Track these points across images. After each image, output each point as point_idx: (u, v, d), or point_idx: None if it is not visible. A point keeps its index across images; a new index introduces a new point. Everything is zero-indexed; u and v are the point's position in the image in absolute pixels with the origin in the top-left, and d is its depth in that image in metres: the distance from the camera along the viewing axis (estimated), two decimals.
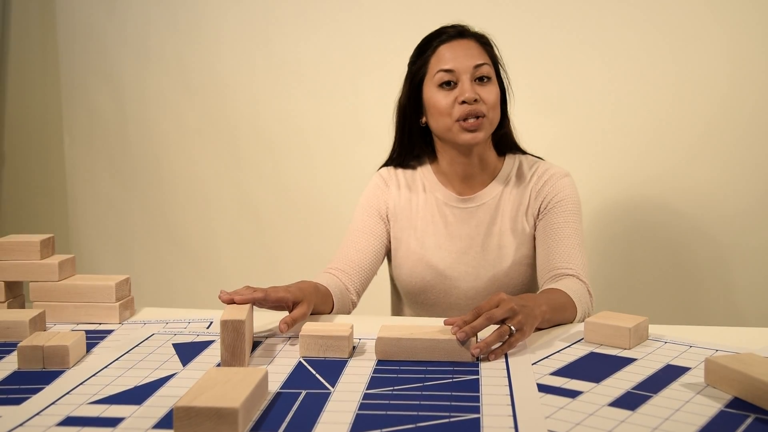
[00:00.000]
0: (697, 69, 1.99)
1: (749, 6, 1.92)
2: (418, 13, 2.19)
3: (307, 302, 1.21)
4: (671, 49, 2.00)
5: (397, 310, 1.64)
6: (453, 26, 1.45)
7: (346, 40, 2.34)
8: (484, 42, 1.45)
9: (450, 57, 1.40)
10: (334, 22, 2.35)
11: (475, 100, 1.37)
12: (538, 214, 1.46)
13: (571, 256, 1.39)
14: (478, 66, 1.39)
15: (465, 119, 1.38)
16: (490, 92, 1.40)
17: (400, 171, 1.56)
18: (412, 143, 1.52)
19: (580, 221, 1.45)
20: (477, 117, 1.38)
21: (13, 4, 2.79)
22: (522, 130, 1.56)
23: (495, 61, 1.45)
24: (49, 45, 2.78)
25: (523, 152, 1.55)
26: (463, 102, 1.37)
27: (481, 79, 1.40)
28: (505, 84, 1.47)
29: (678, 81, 2.01)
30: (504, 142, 1.52)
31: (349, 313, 1.44)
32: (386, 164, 1.58)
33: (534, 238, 1.47)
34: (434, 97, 1.41)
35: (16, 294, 1.35)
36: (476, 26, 1.47)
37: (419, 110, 1.47)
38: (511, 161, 1.52)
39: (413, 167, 1.55)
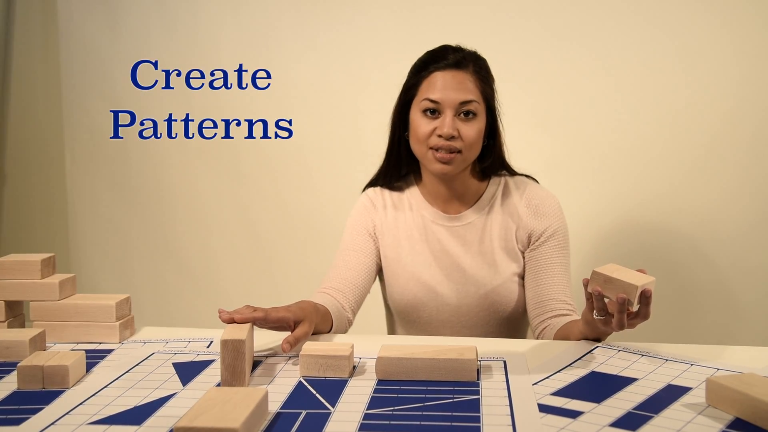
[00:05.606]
0: (698, 91, 2.00)
1: (757, 26, 1.93)
2: (419, 33, 2.20)
3: (308, 321, 1.21)
4: (673, 71, 2.01)
5: (392, 331, 1.63)
6: (455, 51, 1.43)
7: (347, 58, 2.36)
8: (481, 76, 1.42)
9: (440, 87, 1.39)
10: (335, 41, 2.36)
11: (453, 137, 1.37)
12: (529, 243, 1.47)
13: (566, 292, 1.42)
14: (464, 103, 1.38)
15: (438, 150, 1.39)
16: (470, 129, 1.39)
17: (386, 192, 1.56)
18: (401, 156, 1.52)
19: (569, 250, 1.47)
20: (451, 152, 1.39)
21: (15, 24, 2.81)
22: (521, 148, 1.56)
23: (488, 96, 1.43)
24: (51, 64, 2.79)
25: (512, 173, 1.54)
26: (440, 136, 1.38)
27: (466, 114, 1.39)
28: (497, 116, 1.46)
29: (679, 102, 2.02)
30: (491, 167, 1.51)
31: (345, 331, 1.44)
32: (373, 183, 1.59)
33: (523, 258, 1.48)
34: (416, 121, 1.42)
35: (17, 313, 1.35)
36: (476, 45, 1.47)
37: (405, 124, 1.48)
38: (495, 185, 1.51)
39: (400, 189, 1.56)
